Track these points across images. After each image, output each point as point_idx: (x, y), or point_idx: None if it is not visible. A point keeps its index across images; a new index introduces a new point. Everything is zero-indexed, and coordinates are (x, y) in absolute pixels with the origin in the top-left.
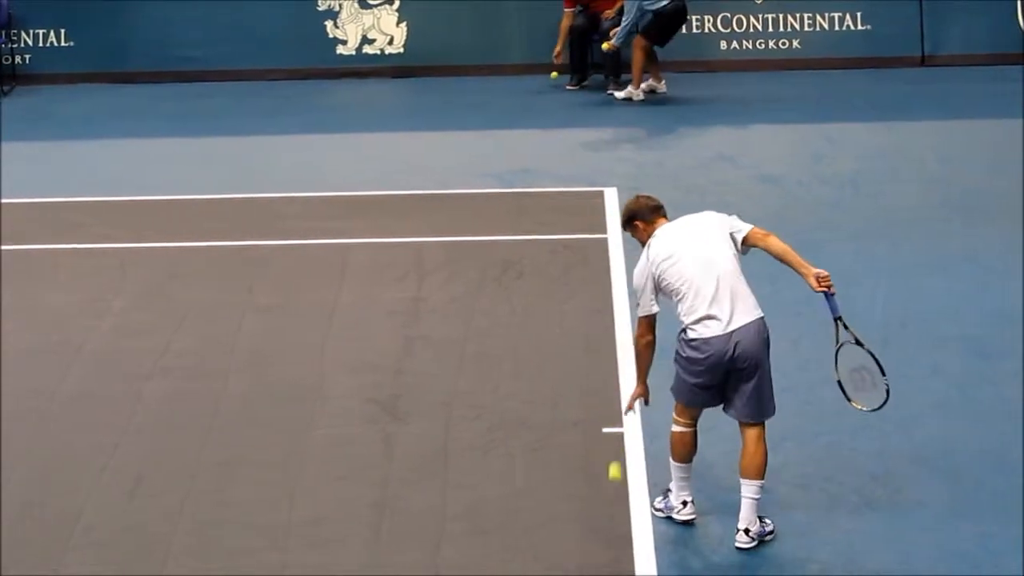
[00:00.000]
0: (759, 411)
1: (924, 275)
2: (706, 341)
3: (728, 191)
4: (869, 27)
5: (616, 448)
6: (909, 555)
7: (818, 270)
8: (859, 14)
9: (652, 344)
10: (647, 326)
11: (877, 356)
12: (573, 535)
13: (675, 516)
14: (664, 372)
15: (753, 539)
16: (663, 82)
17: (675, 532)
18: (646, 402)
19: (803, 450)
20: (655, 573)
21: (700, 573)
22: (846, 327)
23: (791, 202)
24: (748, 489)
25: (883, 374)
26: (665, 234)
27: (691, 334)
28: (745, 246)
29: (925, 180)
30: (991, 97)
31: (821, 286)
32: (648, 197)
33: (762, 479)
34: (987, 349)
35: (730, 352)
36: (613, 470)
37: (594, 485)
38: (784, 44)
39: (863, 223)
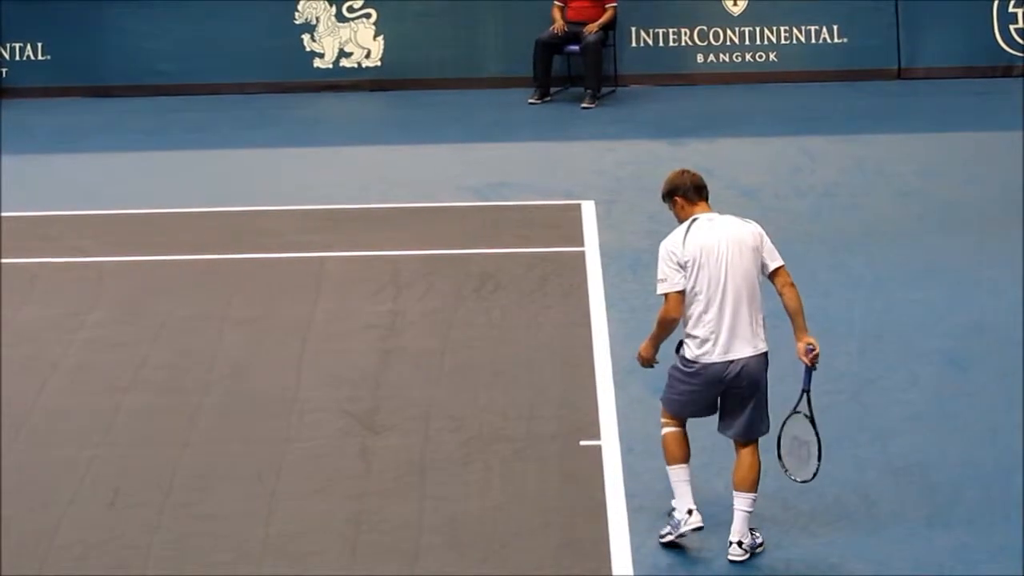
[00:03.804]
0: (754, 431)
1: (901, 287)
2: (705, 366)
3: None
4: (846, 40)
5: (594, 460)
6: (885, 566)
7: (810, 339)
8: (836, 27)
9: (677, 321)
10: (676, 302)
11: (821, 439)
12: (550, 548)
13: (684, 528)
14: (648, 384)
15: (746, 551)
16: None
17: (652, 544)
18: (651, 364)
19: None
20: None
21: None
22: (809, 403)
23: (769, 214)
24: (741, 502)
25: (819, 458)
26: (705, 227)
27: (689, 353)
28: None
29: (902, 192)
30: (967, 110)
31: (807, 357)
32: (693, 174)
33: (755, 492)
34: (963, 361)
35: (728, 374)
36: None
37: (572, 498)
38: (761, 57)
39: (840, 235)
